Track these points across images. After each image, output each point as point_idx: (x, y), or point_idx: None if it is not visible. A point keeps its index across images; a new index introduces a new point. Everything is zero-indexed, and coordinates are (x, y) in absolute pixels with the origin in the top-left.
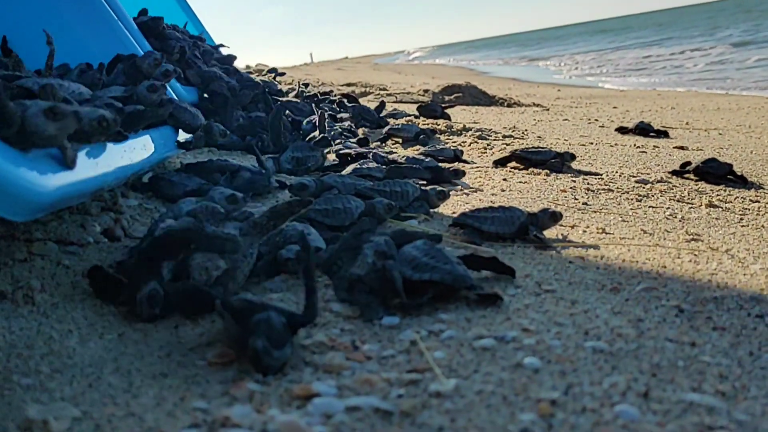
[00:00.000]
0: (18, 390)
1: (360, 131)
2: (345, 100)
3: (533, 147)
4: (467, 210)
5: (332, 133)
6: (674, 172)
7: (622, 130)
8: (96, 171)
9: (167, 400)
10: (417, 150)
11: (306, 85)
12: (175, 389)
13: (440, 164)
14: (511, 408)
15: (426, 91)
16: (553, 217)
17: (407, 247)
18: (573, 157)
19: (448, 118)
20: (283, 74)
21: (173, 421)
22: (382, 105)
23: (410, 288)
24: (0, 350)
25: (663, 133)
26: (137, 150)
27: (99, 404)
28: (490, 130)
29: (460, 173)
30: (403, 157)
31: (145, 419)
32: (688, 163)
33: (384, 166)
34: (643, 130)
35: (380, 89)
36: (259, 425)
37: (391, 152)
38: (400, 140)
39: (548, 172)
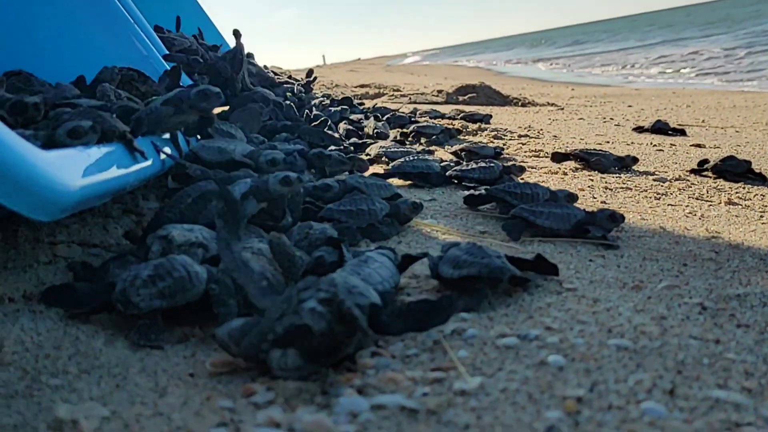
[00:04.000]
0: (47, 390)
1: (393, 132)
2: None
3: (593, 149)
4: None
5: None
6: (693, 170)
7: (638, 130)
8: (118, 171)
9: (194, 400)
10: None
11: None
12: (201, 388)
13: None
14: (537, 406)
15: (440, 91)
16: (613, 218)
17: (452, 249)
18: (635, 160)
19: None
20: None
21: (201, 420)
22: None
23: (453, 286)
24: (28, 351)
25: (680, 132)
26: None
27: (127, 404)
28: (505, 129)
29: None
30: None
31: (173, 419)
32: (706, 161)
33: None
34: (660, 129)
35: (394, 90)
36: (287, 424)
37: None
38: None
39: (565, 171)
